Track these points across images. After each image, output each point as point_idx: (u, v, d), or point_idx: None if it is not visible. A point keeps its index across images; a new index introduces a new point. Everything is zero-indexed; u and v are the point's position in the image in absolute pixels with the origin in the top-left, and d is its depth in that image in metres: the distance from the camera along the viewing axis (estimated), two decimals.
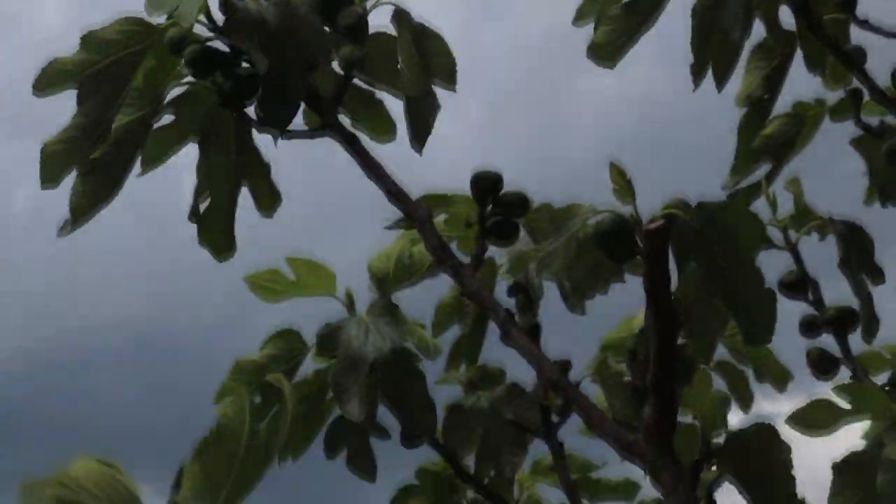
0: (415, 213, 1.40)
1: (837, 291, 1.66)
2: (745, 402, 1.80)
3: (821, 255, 1.69)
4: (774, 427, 1.26)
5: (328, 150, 1.49)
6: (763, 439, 1.24)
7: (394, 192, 1.39)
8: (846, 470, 1.41)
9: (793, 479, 1.25)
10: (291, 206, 1.59)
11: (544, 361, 1.27)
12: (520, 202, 1.46)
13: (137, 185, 1.46)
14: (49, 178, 1.39)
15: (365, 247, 1.76)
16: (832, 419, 1.39)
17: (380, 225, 1.64)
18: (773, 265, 1.63)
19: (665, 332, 1.13)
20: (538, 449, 1.88)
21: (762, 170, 1.76)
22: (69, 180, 1.40)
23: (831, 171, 2.28)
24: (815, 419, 1.39)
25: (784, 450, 1.25)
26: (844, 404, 1.40)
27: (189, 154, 1.53)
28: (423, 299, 1.76)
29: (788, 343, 1.72)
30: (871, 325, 1.56)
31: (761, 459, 1.24)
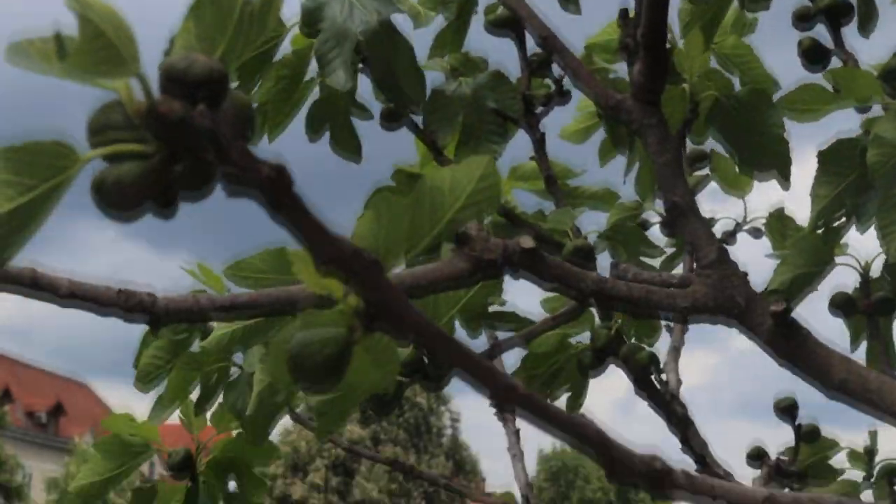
0: None
1: None
2: None
3: None
4: (765, 91, 1.24)
5: None
6: (754, 101, 1.22)
7: None
8: (831, 157, 1.41)
9: (785, 141, 1.23)
10: None
11: (535, 19, 1.23)
12: None
13: None
14: None
15: None
16: (822, 103, 1.38)
17: None
18: None
19: None
20: (516, 154, 1.87)
21: None
22: None
23: None
24: (805, 103, 1.38)
25: (776, 112, 1.23)
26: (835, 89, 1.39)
27: None
28: None
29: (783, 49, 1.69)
30: (867, 16, 1.53)
31: (752, 120, 1.22)
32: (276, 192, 0.59)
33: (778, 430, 1.75)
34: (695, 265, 1.15)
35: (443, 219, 0.63)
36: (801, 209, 1.79)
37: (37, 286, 1.01)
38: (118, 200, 0.62)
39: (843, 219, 1.44)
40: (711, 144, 1.91)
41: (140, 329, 1.66)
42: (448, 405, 30.05)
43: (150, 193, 0.62)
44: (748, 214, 2.01)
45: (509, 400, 0.68)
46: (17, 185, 0.63)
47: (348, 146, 1.56)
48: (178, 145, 0.61)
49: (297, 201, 0.60)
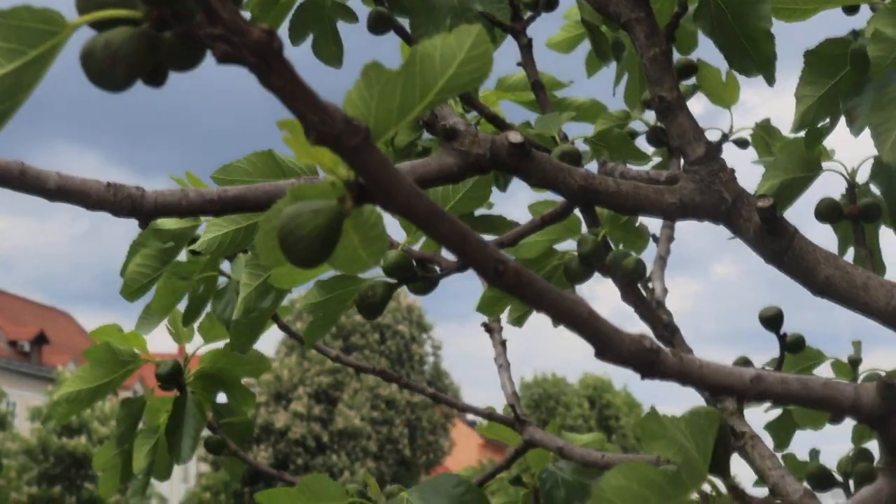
0: None
1: None
2: None
3: None
4: None
5: None
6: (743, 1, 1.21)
7: None
8: (818, 58, 1.40)
9: (771, 36, 1.22)
10: None
11: None
12: None
13: None
14: None
15: None
16: (811, 3, 1.37)
17: None
18: None
19: None
20: (503, 67, 1.86)
21: None
22: None
23: None
24: (795, 3, 1.37)
25: (764, 6, 1.22)
26: None
27: None
28: None
29: None
30: None
31: (740, 14, 1.21)
32: (267, 54, 0.59)
33: (760, 356, 1.76)
34: (682, 162, 1.15)
35: (434, 87, 0.63)
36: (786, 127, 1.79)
37: (24, 180, 1.00)
38: (108, 66, 0.61)
39: (827, 121, 1.44)
40: (697, 55, 1.92)
41: (123, 252, 1.64)
42: (430, 333, 30.19)
43: (139, 61, 0.61)
44: (734, 126, 2.00)
45: (501, 274, 0.68)
46: (6, 51, 0.62)
47: (331, 51, 1.55)
48: (167, 8, 0.60)
49: (287, 65, 0.59)
